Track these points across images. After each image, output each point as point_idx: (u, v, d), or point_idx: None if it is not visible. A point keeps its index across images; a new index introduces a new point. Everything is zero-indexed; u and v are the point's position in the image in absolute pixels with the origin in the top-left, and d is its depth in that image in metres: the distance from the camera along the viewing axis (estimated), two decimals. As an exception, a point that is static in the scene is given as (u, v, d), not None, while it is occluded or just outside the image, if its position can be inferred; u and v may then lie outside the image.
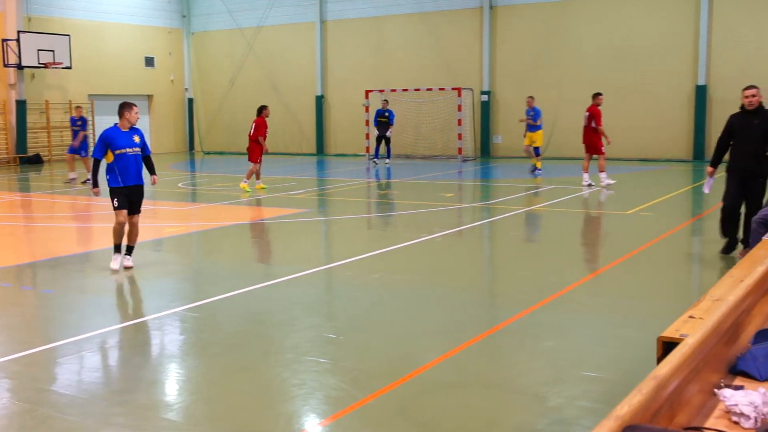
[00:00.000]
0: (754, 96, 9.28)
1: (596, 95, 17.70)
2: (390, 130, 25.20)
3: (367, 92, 28.09)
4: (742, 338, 3.12)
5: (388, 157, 25.71)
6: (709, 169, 9.80)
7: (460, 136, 26.80)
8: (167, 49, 33.41)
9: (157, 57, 33.05)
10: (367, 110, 27.87)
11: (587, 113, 17.51)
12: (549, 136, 26.45)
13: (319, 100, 31.00)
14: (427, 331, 6.93)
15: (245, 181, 17.93)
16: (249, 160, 18.29)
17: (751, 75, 23.31)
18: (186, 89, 34.52)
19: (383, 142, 25.34)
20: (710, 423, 2.46)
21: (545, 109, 26.41)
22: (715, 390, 2.63)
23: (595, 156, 17.68)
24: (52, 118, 28.95)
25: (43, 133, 28.74)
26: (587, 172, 17.79)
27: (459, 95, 26.80)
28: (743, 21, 23.49)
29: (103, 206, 16.50)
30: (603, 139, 17.45)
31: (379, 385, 5.43)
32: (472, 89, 27.61)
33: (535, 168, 20.57)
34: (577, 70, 25.97)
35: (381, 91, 28.18)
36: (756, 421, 2.41)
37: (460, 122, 26.69)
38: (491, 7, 27.28)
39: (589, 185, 17.52)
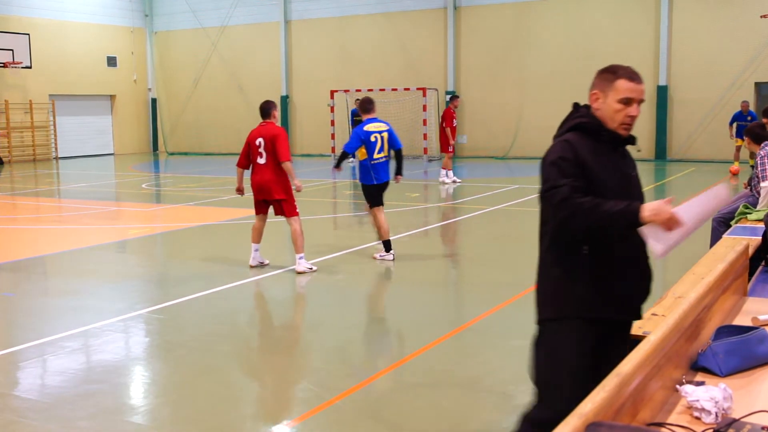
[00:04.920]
0: (641, 101, 3.32)
1: (453, 98, 19.18)
2: None
3: (333, 92, 28.04)
4: (703, 335, 3.17)
5: None
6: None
7: (425, 136, 26.86)
8: (130, 49, 33.04)
9: (120, 56, 32.66)
10: (332, 110, 27.81)
11: (442, 114, 18.98)
12: (513, 137, 26.65)
13: (284, 100, 30.88)
14: (395, 331, 6.95)
15: None
16: None
17: (710, 75, 23.74)
18: (149, 89, 34.16)
19: None
20: (672, 419, 2.50)
21: (509, 109, 26.66)
22: (677, 386, 2.68)
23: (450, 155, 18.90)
24: (12, 119, 28.47)
25: (3, 133, 28.25)
26: (449, 170, 19.02)
27: (424, 95, 26.85)
28: (703, 21, 23.86)
29: (64, 208, 16.28)
30: (457, 139, 19.17)
31: (346, 385, 5.43)
32: (437, 89, 27.70)
33: None
34: (540, 70, 26.18)
35: (346, 91, 28.17)
36: (717, 416, 2.46)
37: (425, 122, 26.75)
38: (455, 8, 27.39)
39: (453, 181, 18.80)
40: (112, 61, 32.33)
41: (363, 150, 9.51)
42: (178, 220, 13.82)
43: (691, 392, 2.53)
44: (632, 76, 3.33)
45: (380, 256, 9.76)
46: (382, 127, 9.62)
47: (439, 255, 11.01)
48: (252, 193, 9.32)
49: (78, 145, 31.17)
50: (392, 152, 9.79)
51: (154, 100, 34.15)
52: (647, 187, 18.06)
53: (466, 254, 11.09)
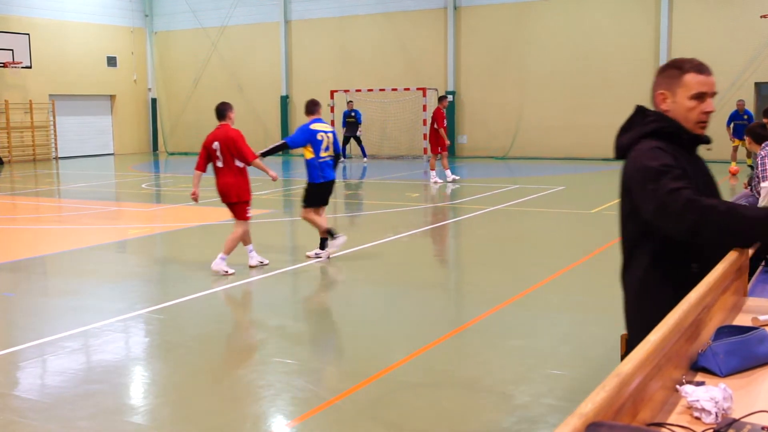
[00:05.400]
0: (713, 94, 3.13)
1: (441, 98, 19.05)
2: (359, 129, 25.72)
3: (332, 92, 28.05)
4: (703, 335, 3.16)
5: (364, 155, 26.10)
6: None
7: (425, 136, 26.81)
8: (130, 49, 33.03)
9: (120, 56, 32.65)
10: (332, 110, 27.81)
11: (432, 115, 18.94)
12: (513, 137, 26.65)
13: (284, 100, 30.88)
14: (395, 331, 6.94)
15: None
16: None
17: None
18: (149, 89, 34.16)
19: (351, 142, 25.87)
20: (673, 419, 2.50)
21: (509, 109, 26.66)
22: (677, 386, 2.67)
23: (439, 155, 18.94)
24: (12, 119, 28.47)
25: (3, 133, 28.25)
26: (433, 170, 19.16)
27: (424, 95, 26.86)
28: (703, 21, 23.85)
29: (64, 208, 16.27)
30: (445, 139, 18.71)
31: (346, 385, 5.43)
32: (436, 89, 27.69)
33: None
34: (540, 70, 26.18)
35: (346, 91, 28.18)
36: (717, 416, 2.45)
37: (425, 122, 26.74)
38: (455, 8, 27.39)
39: (453, 180, 18.85)
40: (112, 61, 32.32)
41: (310, 149, 9.66)
42: (178, 220, 13.82)
43: (691, 392, 2.52)
44: (701, 68, 3.04)
45: (315, 254, 9.81)
46: (328, 128, 9.87)
47: (438, 255, 11.01)
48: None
49: (78, 145, 31.18)
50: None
51: (154, 100, 34.14)
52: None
53: (466, 254, 11.09)
